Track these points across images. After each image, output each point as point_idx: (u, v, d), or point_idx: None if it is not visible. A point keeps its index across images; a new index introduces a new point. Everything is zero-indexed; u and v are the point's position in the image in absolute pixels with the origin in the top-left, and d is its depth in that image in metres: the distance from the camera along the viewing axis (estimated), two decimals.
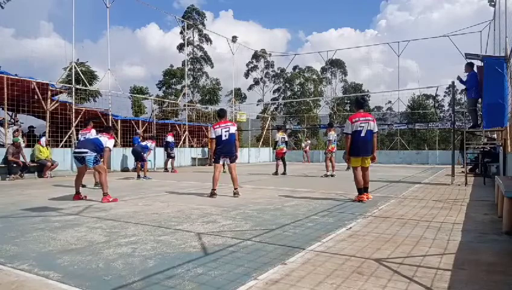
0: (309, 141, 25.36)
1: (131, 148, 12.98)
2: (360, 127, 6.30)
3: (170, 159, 14.84)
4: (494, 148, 11.45)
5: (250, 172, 13.76)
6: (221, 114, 7.50)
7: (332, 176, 11.84)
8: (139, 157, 11.65)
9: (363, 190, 6.43)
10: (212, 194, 7.01)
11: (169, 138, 15.12)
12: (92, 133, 7.14)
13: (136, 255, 3.24)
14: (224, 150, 7.09)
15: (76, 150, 6.79)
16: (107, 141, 6.80)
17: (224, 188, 8.73)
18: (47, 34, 65.30)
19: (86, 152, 6.59)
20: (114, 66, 57.05)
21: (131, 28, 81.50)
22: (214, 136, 7.09)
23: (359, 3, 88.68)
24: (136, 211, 5.53)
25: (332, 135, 12.32)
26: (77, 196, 6.75)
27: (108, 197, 6.50)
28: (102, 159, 6.84)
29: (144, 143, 12.05)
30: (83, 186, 8.73)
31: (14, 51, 52.75)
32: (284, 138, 13.15)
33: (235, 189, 7.19)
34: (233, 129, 7.16)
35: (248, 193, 7.71)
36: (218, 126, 7.11)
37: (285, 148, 12.95)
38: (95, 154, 6.62)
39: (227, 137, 7.03)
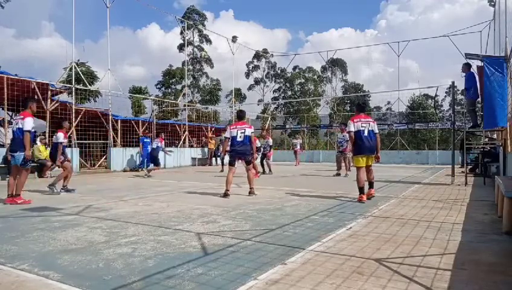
0: (300, 140, 21.60)
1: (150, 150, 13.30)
2: (362, 127, 6.53)
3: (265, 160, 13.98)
4: (494, 148, 11.44)
5: None
6: (240, 115, 7.57)
7: (338, 175, 12.13)
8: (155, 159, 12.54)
9: (363, 189, 6.47)
10: (225, 194, 7.01)
11: (270, 141, 14.48)
12: (26, 121, 6.02)
13: (136, 255, 3.24)
14: (239, 151, 7.16)
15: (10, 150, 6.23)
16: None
17: (224, 187, 8.74)
18: (48, 34, 65.41)
19: (16, 151, 6.03)
20: (115, 66, 56.85)
21: (132, 28, 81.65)
22: (228, 136, 7.17)
23: (359, 3, 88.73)
24: (136, 211, 5.53)
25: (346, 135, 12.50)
26: (10, 199, 6.14)
27: (20, 198, 6.16)
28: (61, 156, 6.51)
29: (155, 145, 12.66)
30: (68, 191, 7.78)
31: (16, 51, 52.81)
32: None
33: (250, 189, 7.27)
34: (249, 131, 7.17)
35: (248, 192, 7.70)
36: (234, 127, 7.20)
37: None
38: (24, 153, 6.04)
39: (241, 138, 7.08)
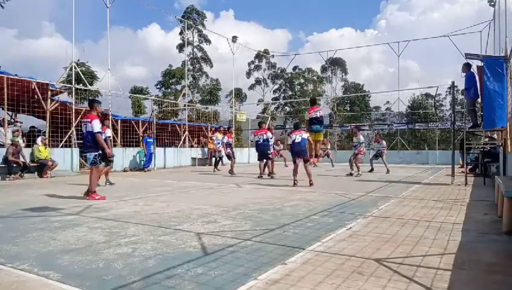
0: (281, 146, 19.47)
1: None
2: (297, 138, 9.14)
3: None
4: (494, 148, 11.44)
5: (251, 172, 13.75)
6: (296, 126, 9.75)
7: (351, 174, 12.23)
8: (264, 156, 11.65)
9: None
10: (294, 184, 8.98)
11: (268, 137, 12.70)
12: (93, 124, 6.67)
13: (136, 255, 3.24)
14: (296, 150, 9.10)
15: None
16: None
17: (224, 187, 8.75)
18: (49, 34, 65.20)
19: (87, 152, 6.77)
20: (115, 66, 56.60)
21: (132, 28, 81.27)
22: (290, 142, 9.37)
23: (359, 3, 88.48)
24: (136, 211, 5.53)
25: (361, 138, 12.80)
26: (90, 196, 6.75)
27: (96, 194, 6.73)
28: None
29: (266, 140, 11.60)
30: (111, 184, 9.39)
31: (17, 51, 52.79)
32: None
33: (310, 180, 8.98)
34: (305, 135, 9.16)
35: (248, 192, 7.71)
36: (294, 134, 9.29)
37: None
38: (95, 153, 6.73)
39: (299, 140, 9.03)
